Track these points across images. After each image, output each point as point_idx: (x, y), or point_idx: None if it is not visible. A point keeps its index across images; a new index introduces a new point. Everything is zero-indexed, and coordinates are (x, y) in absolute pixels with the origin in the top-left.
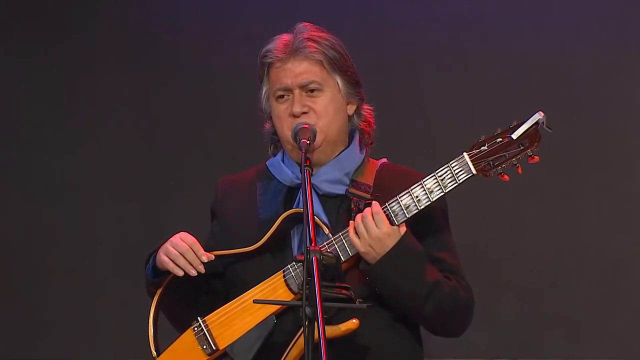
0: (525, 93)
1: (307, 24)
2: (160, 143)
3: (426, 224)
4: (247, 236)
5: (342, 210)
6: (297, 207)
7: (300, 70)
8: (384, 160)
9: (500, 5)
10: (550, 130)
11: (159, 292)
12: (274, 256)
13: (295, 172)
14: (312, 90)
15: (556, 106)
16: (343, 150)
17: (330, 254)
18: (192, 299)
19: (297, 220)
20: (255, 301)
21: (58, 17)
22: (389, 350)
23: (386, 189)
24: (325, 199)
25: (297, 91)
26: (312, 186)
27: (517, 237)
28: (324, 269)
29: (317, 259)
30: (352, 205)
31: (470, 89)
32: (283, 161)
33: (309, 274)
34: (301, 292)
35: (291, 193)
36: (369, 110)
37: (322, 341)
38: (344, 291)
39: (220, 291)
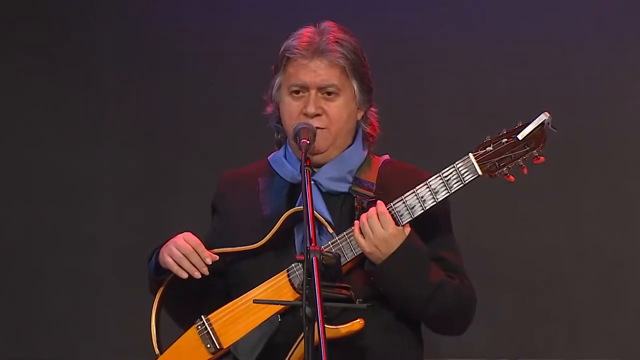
0: (525, 93)
1: (331, 23)
2: (160, 143)
3: (429, 223)
4: (251, 232)
5: (345, 208)
6: (300, 204)
7: (321, 71)
8: (386, 156)
9: (500, 6)
10: (555, 130)
11: (161, 290)
12: (277, 255)
13: (297, 169)
14: (329, 93)
15: (557, 106)
16: (346, 149)
17: (330, 254)
18: (194, 296)
19: (300, 218)
20: (255, 301)
21: (58, 17)
22: (389, 350)
23: (389, 187)
24: (328, 196)
25: (313, 91)
26: (315, 183)
27: (516, 236)
28: (324, 269)
29: (317, 259)
30: (356, 204)
31: (471, 89)
32: (285, 157)
33: (309, 274)
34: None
35: (294, 189)
36: (373, 113)
37: (322, 341)
38: (344, 291)
39: (222, 288)
